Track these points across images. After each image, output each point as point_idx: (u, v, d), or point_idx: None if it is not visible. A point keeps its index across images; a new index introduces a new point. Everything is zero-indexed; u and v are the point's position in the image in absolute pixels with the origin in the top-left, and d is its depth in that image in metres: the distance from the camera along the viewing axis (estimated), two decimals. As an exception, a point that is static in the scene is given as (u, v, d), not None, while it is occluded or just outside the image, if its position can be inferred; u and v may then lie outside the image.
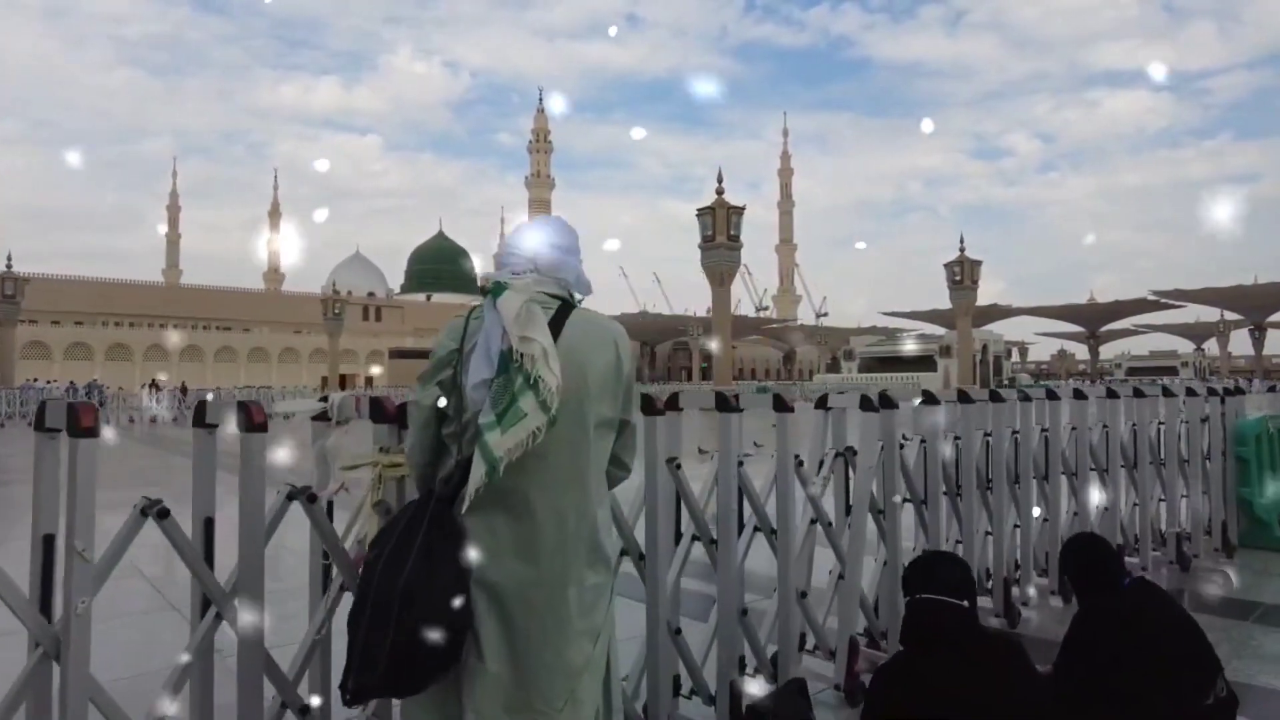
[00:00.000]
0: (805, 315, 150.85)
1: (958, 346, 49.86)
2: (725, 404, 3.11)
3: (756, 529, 3.21)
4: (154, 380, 48.01)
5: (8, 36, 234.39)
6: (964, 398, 4.53)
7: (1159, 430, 5.67)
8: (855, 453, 3.62)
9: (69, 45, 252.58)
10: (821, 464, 3.62)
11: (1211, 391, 6.03)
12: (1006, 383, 71.56)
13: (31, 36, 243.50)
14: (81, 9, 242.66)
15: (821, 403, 3.75)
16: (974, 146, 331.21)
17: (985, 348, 70.37)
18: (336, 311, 62.58)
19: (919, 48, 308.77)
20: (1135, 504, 5.46)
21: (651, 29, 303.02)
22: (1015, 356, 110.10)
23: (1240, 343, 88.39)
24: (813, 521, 3.53)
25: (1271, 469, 6.18)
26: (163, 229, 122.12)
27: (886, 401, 3.67)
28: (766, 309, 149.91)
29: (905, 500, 4.03)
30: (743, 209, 35.12)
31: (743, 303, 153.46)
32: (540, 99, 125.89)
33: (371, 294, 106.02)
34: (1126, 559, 5.34)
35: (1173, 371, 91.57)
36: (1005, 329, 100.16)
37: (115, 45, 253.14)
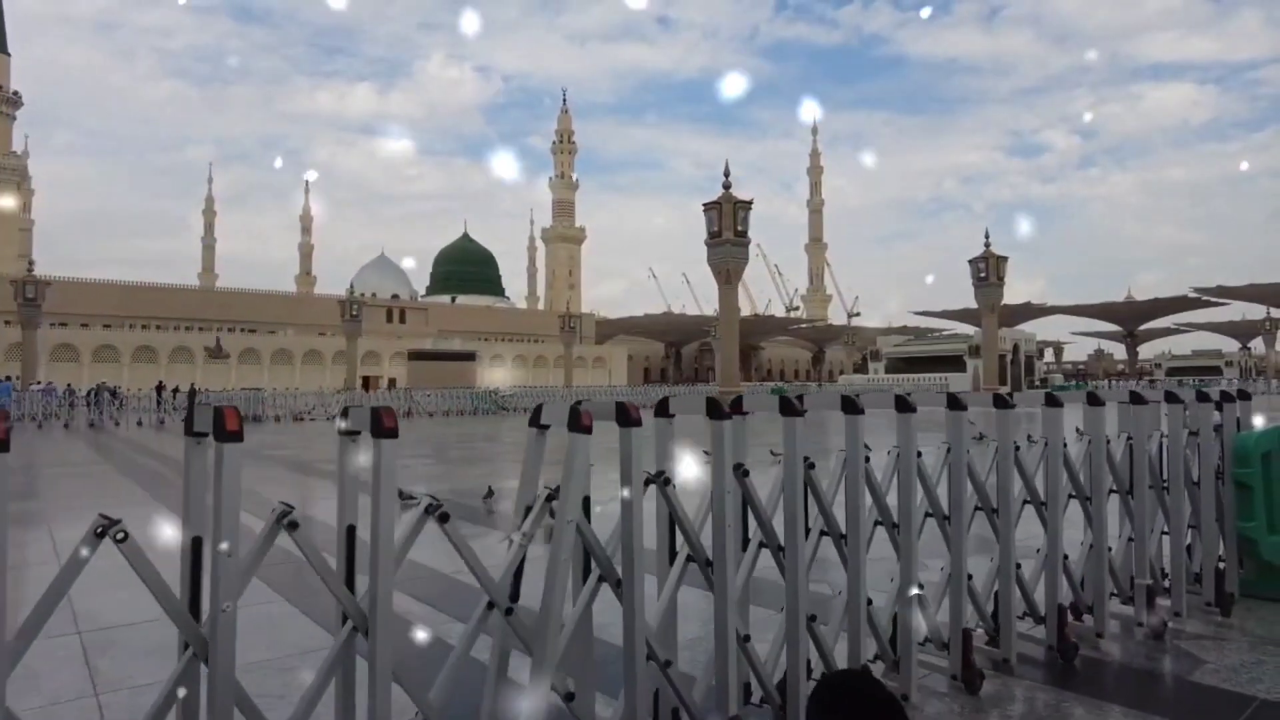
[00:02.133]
0: (838, 315, 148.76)
1: (985, 346, 47.77)
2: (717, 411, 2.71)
3: (824, 533, 3.10)
4: (160, 384, 48.35)
5: (61, 50, 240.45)
6: (901, 405, 3.25)
7: (1128, 447, 4.28)
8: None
9: (118, 58, 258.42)
10: (529, 510, 2.35)
11: (1202, 396, 4.59)
12: (1038, 383, 69.04)
13: (83, 50, 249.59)
14: (130, 23, 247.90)
15: (534, 418, 2.47)
16: (1011, 143, 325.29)
17: (1016, 347, 67.91)
18: (354, 313, 62.22)
19: (954, 44, 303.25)
20: (1091, 545, 4.08)
21: (684, 30, 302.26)
22: (1050, 356, 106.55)
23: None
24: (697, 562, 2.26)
25: (1287, 496, 4.74)
26: (200, 234, 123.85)
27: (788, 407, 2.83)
28: (797, 309, 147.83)
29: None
30: (750, 203, 33.54)
31: (773, 302, 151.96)
32: (564, 100, 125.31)
33: (395, 296, 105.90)
34: (1081, 618, 3.99)
35: (1216, 371, 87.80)
36: (1042, 328, 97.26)
37: (161, 57, 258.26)
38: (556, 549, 2.28)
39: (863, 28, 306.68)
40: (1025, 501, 3.92)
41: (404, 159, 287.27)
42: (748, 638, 2.77)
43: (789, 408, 2.81)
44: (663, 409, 2.79)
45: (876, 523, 3.32)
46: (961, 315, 79.72)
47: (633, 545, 2.41)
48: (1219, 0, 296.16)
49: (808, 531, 2.95)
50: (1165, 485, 4.36)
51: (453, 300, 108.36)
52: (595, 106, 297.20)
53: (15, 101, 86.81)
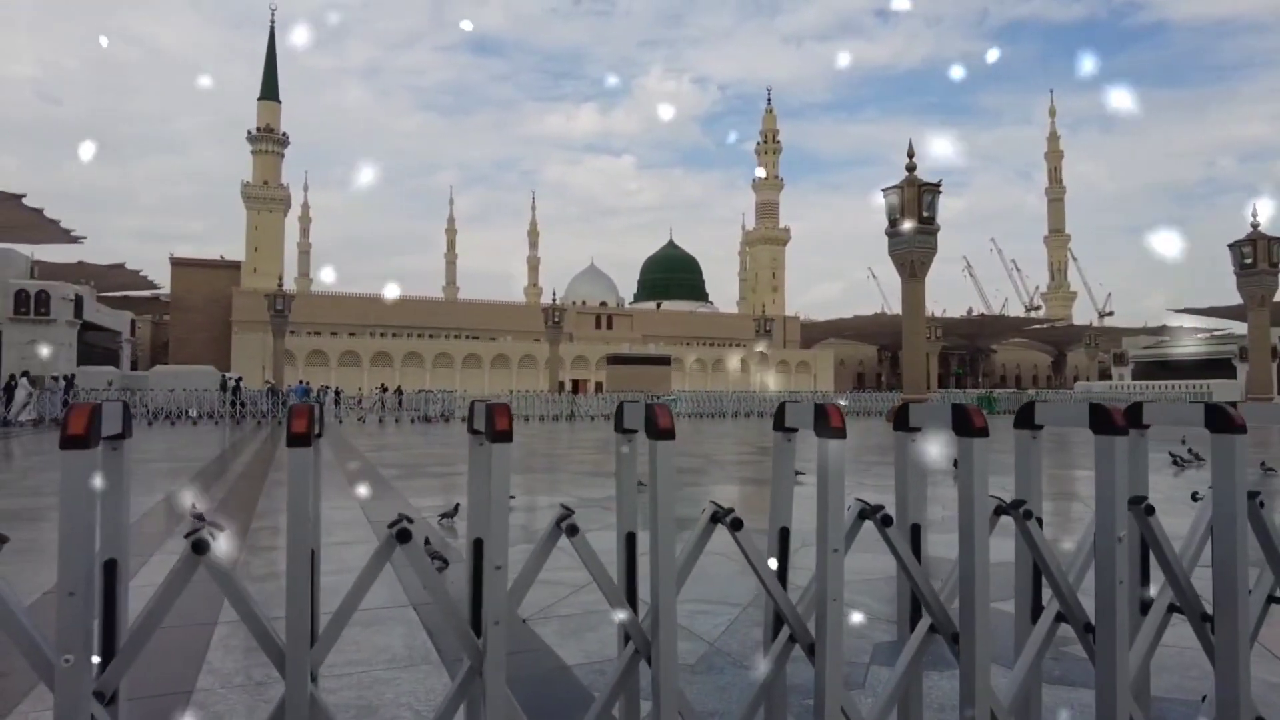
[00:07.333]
0: (1086, 314, 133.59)
1: (1252, 346, 39.54)
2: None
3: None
4: (383, 385, 52.99)
5: (340, 97, 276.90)
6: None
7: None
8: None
9: (378, 97, 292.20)
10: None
11: (1217, 420, 2.09)
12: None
13: (354, 94, 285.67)
14: (389, 65, 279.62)
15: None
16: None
17: (1306, 349, 56.16)
18: (555, 320, 64.54)
19: (1228, 1, 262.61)
20: None
21: (904, 20, 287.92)
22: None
23: None
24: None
25: None
26: (443, 251, 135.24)
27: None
28: (1038, 308, 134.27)
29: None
30: (938, 186, 29.90)
31: (1011, 301, 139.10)
32: (769, 100, 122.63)
33: (603, 303, 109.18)
34: None
35: None
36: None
37: (413, 93, 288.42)
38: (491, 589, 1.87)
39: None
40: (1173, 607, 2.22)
41: (625, 173, 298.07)
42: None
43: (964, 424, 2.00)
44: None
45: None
46: (1230, 312, 67.70)
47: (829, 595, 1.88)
48: None
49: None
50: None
51: (658, 306, 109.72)
52: (810, 106, 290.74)
53: (284, 141, 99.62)
